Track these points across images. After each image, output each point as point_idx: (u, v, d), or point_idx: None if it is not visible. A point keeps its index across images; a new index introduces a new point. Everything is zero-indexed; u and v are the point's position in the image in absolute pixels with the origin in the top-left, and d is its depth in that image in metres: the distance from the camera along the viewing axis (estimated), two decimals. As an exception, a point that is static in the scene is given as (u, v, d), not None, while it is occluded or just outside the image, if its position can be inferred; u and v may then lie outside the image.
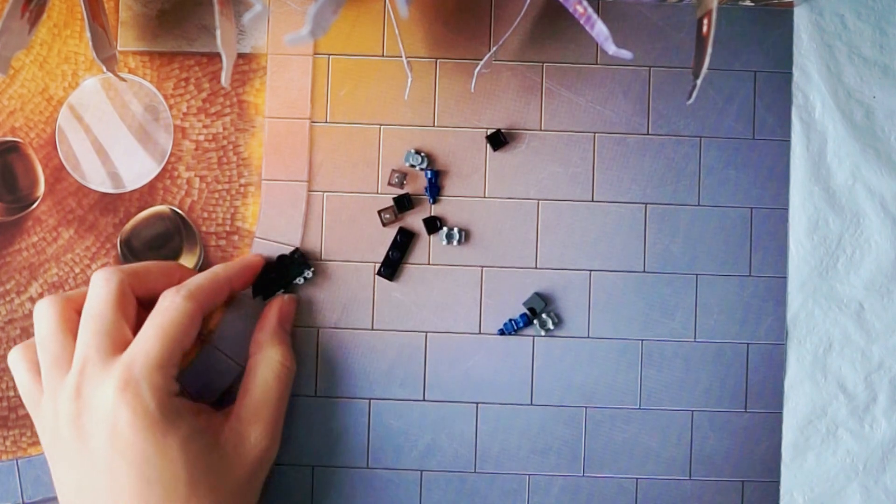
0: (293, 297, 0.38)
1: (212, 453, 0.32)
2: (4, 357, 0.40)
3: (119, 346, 0.32)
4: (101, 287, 0.32)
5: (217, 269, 0.36)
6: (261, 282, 0.39)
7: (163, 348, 0.31)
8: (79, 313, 0.33)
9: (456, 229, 0.40)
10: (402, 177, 0.39)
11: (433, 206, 0.40)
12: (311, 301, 0.40)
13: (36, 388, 0.33)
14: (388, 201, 0.40)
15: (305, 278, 0.39)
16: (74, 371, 0.31)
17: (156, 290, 0.34)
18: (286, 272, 0.39)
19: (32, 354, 0.34)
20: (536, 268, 0.40)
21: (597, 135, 0.40)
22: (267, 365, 0.36)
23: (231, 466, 0.33)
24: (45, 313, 0.33)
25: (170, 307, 0.32)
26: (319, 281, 0.40)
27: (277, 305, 0.38)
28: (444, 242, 0.40)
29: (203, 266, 0.40)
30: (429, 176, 0.39)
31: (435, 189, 0.40)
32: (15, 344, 0.40)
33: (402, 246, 0.39)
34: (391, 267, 0.39)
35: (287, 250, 0.39)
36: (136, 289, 0.34)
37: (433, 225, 0.40)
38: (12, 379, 0.40)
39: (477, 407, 0.40)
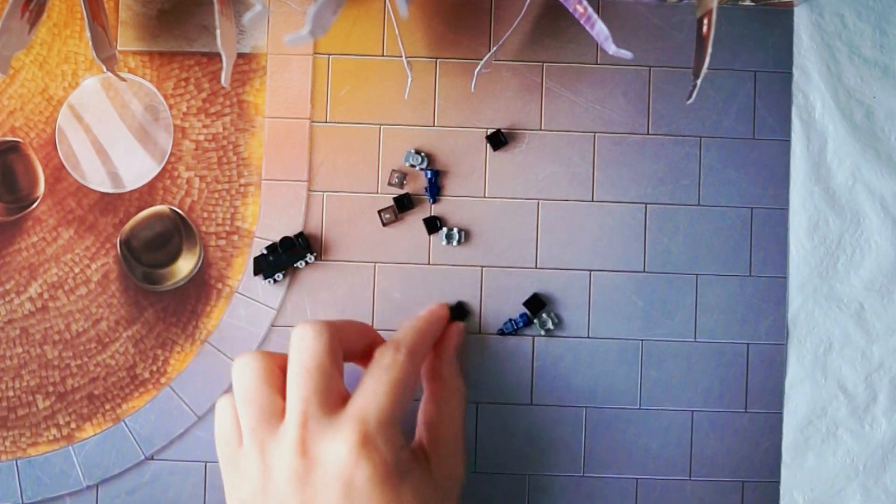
0: (462, 326, 0.39)
1: (435, 496, 0.33)
2: (6, 357, 0.40)
3: (340, 400, 0.32)
4: (314, 340, 0.32)
5: (417, 326, 0.36)
6: (262, 262, 0.39)
7: (393, 401, 0.31)
8: (282, 369, 0.33)
9: (456, 229, 0.40)
10: (402, 177, 0.39)
11: (433, 206, 0.40)
12: (310, 301, 0.40)
13: (237, 443, 0.32)
14: (389, 201, 0.40)
15: (307, 262, 0.39)
16: (293, 425, 0.31)
17: (353, 346, 0.34)
18: (288, 254, 0.39)
19: (235, 408, 0.33)
20: (536, 268, 0.40)
21: (597, 135, 0.40)
22: (451, 396, 0.36)
23: (449, 498, 0.34)
24: (248, 366, 0.32)
25: (393, 364, 0.32)
26: (319, 280, 0.40)
27: (454, 334, 0.38)
28: (444, 243, 0.40)
29: (203, 266, 0.40)
30: (429, 176, 0.39)
31: (435, 189, 0.40)
32: (14, 344, 0.40)
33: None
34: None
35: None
36: (342, 344, 0.33)
37: (433, 225, 0.40)
38: (12, 379, 0.40)
39: (477, 407, 0.40)
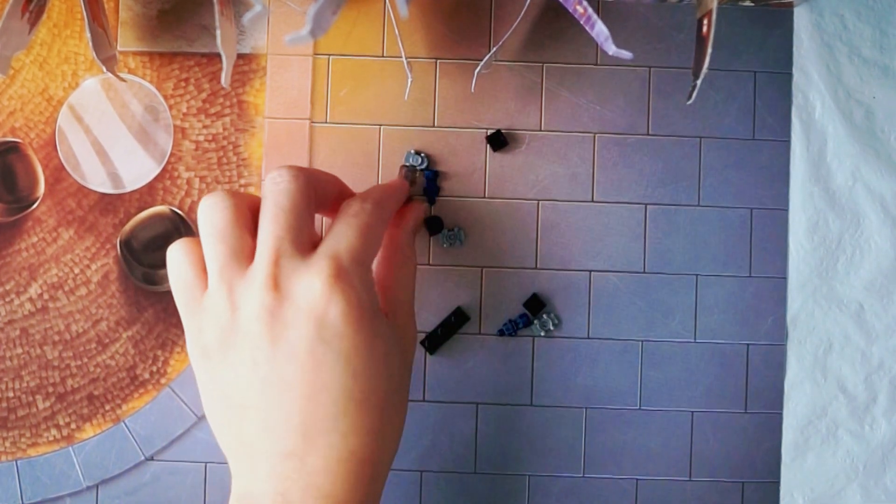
0: (423, 205, 0.39)
1: (398, 346, 0.33)
2: (6, 358, 0.40)
3: (312, 242, 0.31)
4: (290, 182, 0.31)
5: (382, 186, 0.37)
6: None
7: (365, 244, 0.31)
8: (252, 211, 0.32)
9: (456, 229, 0.40)
10: (413, 171, 0.39)
11: (433, 207, 0.40)
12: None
13: (199, 283, 0.31)
14: (388, 201, 0.40)
15: None
16: (265, 263, 0.30)
17: (325, 195, 0.34)
18: None
19: (196, 249, 0.32)
20: (536, 268, 0.40)
21: (597, 135, 0.40)
22: (405, 262, 0.36)
23: (407, 361, 0.34)
24: (219, 206, 0.31)
25: (361, 211, 0.32)
26: (319, 281, 0.40)
27: (414, 209, 0.38)
28: (445, 244, 0.40)
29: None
30: (427, 176, 0.39)
31: (433, 189, 0.40)
32: (14, 344, 0.40)
33: (453, 325, 0.40)
34: (434, 342, 0.40)
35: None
36: (315, 191, 0.33)
37: (435, 225, 0.40)
38: (12, 380, 0.40)
39: (477, 407, 0.40)
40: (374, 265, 0.36)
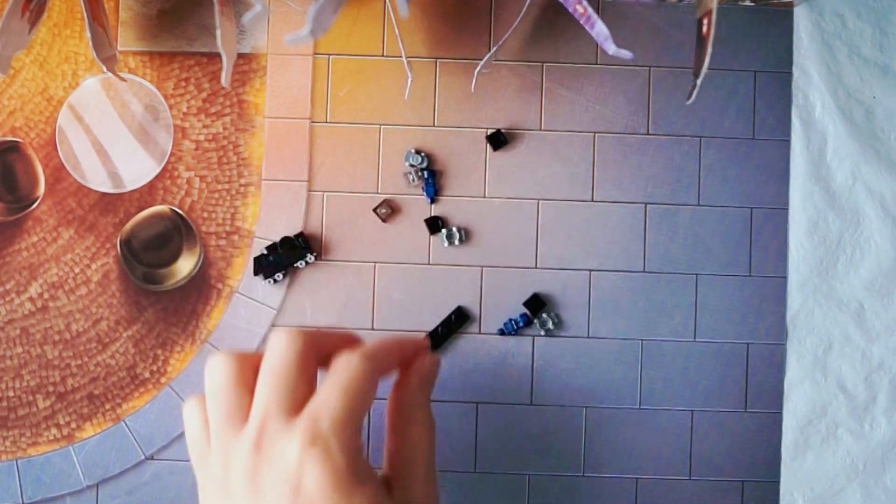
0: (437, 359, 0.36)
1: None
2: (6, 357, 0.40)
3: (301, 405, 0.31)
4: (285, 346, 0.32)
5: (383, 338, 0.35)
6: (262, 262, 0.39)
7: (348, 405, 0.30)
8: (255, 371, 0.32)
9: (455, 229, 0.40)
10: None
11: (433, 206, 0.40)
12: (310, 301, 0.40)
13: (206, 443, 0.32)
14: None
15: (307, 262, 0.39)
16: (253, 426, 0.30)
17: (332, 352, 0.33)
18: (289, 254, 0.39)
19: (205, 408, 0.33)
20: (536, 268, 0.40)
21: (597, 134, 0.40)
22: (411, 426, 0.34)
23: None
24: (220, 367, 0.32)
25: (348, 367, 0.31)
26: (319, 280, 0.40)
27: (424, 365, 0.35)
28: (445, 243, 0.40)
29: (203, 266, 0.40)
30: (426, 176, 0.40)
31: (432, 189, 0.40)
32: (15, 344, 0.40)
33: (454, 325, 0.40)
34: (435, 341, 0.40)
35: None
36: (318, 352, 0.33)
37: (435, 225, 0.40)
38: (12, 379, 0.40)
39: (477, 407, 0.40)
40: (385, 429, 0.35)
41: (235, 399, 0.31)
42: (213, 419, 0.32)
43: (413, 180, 0.39)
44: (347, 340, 0.34)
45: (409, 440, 0.34)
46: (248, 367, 0.32)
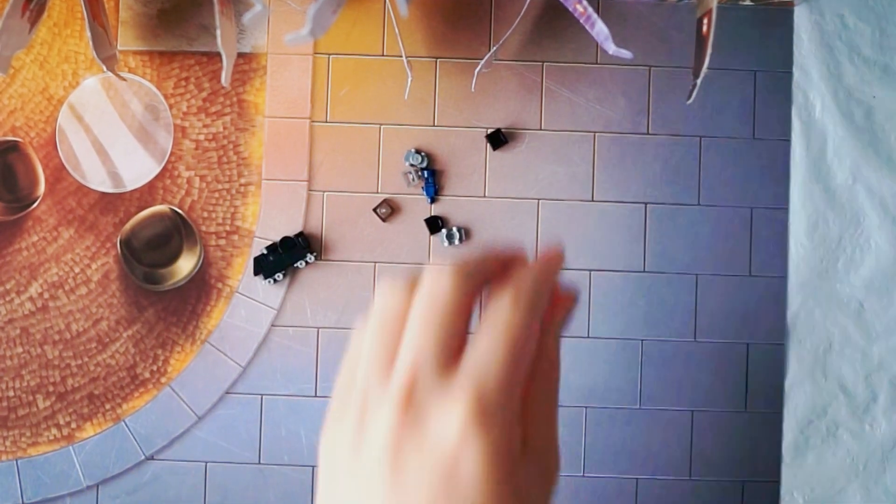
0: (575, 293, 0.30)
1: (539, 494, 0.27)
2: (6, 357, 0.40)
3: (457, 357, 0.25)
4: (446, 285, 0.26)
5: (536, 274, 0.28)
6: (262, 262, 0.39)
7: (515, 367, 0.25)
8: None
9: (455, 229, 0.40)
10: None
11: (433, 206, 0.40)
12: (310, 301, 0.40)
13: (350, 390, 0.26)
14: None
15: (307, 262, 0.39)
16: (400, 379, 0.25)
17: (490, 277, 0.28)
18: (289, 254, 0.39)
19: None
20: (536, 268, 0.40)
21: (597, 134, 0.40)
22: (551, 371, 0.29)
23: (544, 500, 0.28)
24: (386, 296, 0.26)
25: (512, 322, 0.26)
26: (319, 280, 0.40)
27: (566, 302, 0.30)
28: (445, 243, 0.40)
29: (203, 266, 0.40)
30: (425, 176, 0.39)
31: (431, 189, 0.40)
32: (15, 344, 0.40)
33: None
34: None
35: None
36: (479, 289, 0.27)
37: (435, 225, 0.40)
38: (12, 379, 0.40)
39: (477, 407, 0.40)
40: None
41: (389, 344, 0.26)
42: (363, 363, 0.26)
43: (413, 180, 0.39)
44: (508, 263, 0.28)
45: (545, 391, 0.29)
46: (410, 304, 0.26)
